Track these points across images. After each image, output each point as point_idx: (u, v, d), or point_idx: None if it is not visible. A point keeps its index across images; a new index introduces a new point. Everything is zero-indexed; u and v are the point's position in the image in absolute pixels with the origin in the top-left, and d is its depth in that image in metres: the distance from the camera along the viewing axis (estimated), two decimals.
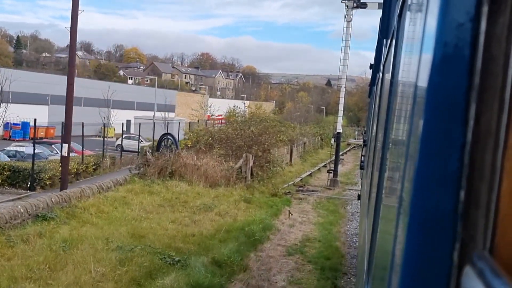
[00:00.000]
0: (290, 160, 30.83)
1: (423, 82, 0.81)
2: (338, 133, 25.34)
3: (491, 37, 0.67)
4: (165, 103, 52.75)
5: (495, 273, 0.59)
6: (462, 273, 0.68)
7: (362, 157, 12.25)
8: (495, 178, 0.66)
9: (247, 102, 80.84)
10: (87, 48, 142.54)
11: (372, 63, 8.23)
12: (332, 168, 25.18)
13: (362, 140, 48.71)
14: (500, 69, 0.66)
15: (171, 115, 54.64)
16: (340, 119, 25.18)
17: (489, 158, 0.67)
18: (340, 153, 39.20)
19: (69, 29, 17.94)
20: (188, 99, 70.60)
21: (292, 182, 23.35)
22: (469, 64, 0.69)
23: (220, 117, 63.29)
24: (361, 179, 14.31)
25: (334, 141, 26.10)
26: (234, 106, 65.10)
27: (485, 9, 0.68)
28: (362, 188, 10.03)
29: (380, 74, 4.69)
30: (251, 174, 20.53)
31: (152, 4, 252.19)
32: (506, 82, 0.65)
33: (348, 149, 49.20)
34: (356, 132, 65.46)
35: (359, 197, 12.15)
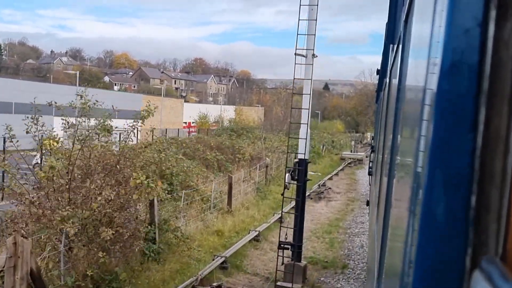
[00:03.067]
0: (229, 203, 16.64)
1: (432, 87, 0.81)
2: (301, 160, 11.37)
3: (499, 41, 0.67)
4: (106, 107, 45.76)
5: (506, 279, 0.59)
6: (474, 278, 0.68)
7: (371, 163, 12.37)
8: (506, 183, 0.66)
9: (231, 107, 72.23)
10: (74, 54, 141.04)
11: (379, 68, 8.28)
12: (289, 241, 11.16)
13: (360, 154, 40.81)
14: (509, 74, 0.66)
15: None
16: (304, 131, 11.29)
17: (499, 163, 0.67)
18: (328, 176, 28.92)
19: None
20: (158, 104, 64.49)
21: (196, 277, 10.08)
22: (478, 69, 0.69)
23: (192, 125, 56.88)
24: (370, 185, 14.13)
25: (292, 179, 11.34)
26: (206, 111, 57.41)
27: (492, 14, 0.68)
28: (371, 193, 10.03)
29: (387, 80, 4.70)
30: (34, 283, 7.21)
31: (151, 12, 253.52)
32: None
33: (340, 167, 34.50)
34: (353, 142, 49.40)
35: (368, 203, 12.16)
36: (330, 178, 28.88)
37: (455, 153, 0.72)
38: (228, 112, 61.49)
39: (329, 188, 24.82)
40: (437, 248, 0.74)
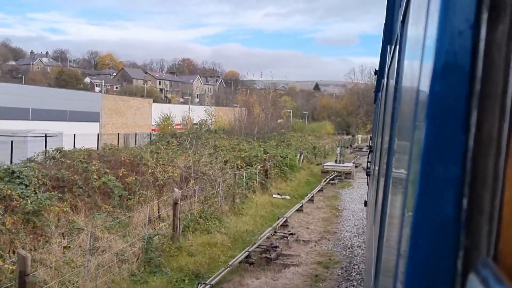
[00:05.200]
0: None
1: (425, 89, 0.81)
2: None
3: (491, 44, 0.67)
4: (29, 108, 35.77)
5: (499, 280, 0.59)
6: (466, 281, 0.68)
7: (369, 163, 12.50)
8: (497, 184, 0.66)
9: (201, 107, 63.49)
10: (59, 56, 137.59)
11: (377, 69, 8.38)
12: None
13: (348, 165, 30.69)
14: (500, 76, 0.67)
15: (93, 125, 40.43)
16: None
17: (491, 165, 0.67)
18: (298, 204, 18.52)
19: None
20: (121, 104, 51.64)
21: None
22: (470, 71, 0.70)
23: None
24: (368, 185, 14.23)
25: None
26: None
27: (484, 16, 0.68)
28: (369, 194, 10.17)
29: (385, 80, 4.72)
30: None
31: (142, 15, 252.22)
32: (507, 89, 0.65)
33: (319, 187, 24.05)
34: (338, 149, 35.85)
35: (365, 203, 12.36)
36: (300, 209, 18.22)
37: (447, 155, 0.72)
38: (194, 113, 54.25)
39: (290, 234, 14.10)
40: (429, 250, 0.74)
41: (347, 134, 71.65)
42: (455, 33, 0.71)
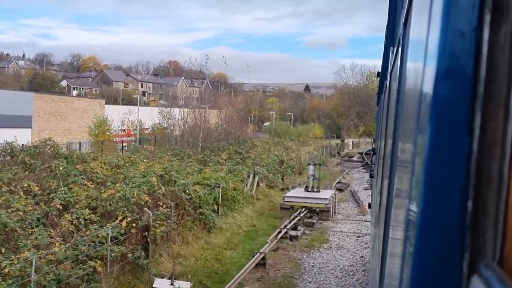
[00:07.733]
0: None
1: (428, 91, 0.81)
2: None
3: (494, 46, 0.67)
4: None
5: (503, 283, 0.59)
6: (471, 283, 0.68)
7: (372, 165, 12.58)
8: (502, 187, 0.66)
9: (154, 109, 48.88)
10: (35, 59, 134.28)
11: (380, 70, 8.43)
12: None
13: (325, 195, 17.17)
14: (504, 78, 0.66)
15: (24, 132, 30.47)
16: None
17: (495, 167, 0.67)
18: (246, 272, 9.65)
19: None
20: (62, 106, 41.39)
21: None
22: (473, 73, 0.69)
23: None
24: (371, 187, 14.12)
25: None
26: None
27: (487, 18, 0.68)
28: (373, 196, 10.25)
29: (388, 82, 4.73)
30: None
31: (134, 20, 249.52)
32: (511, 91, 0.65)
33: (265, 248, 11.90)
34: (311, 168, 19.28)
35: (369, 206, 12.36)
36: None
37: (452, 157, 0.72)
38: (145, 115, 42.86)
39: None
40: (434, 253, 0.74)
41: (338, 137, 65.00)
42: (458, 35, 0.71)
